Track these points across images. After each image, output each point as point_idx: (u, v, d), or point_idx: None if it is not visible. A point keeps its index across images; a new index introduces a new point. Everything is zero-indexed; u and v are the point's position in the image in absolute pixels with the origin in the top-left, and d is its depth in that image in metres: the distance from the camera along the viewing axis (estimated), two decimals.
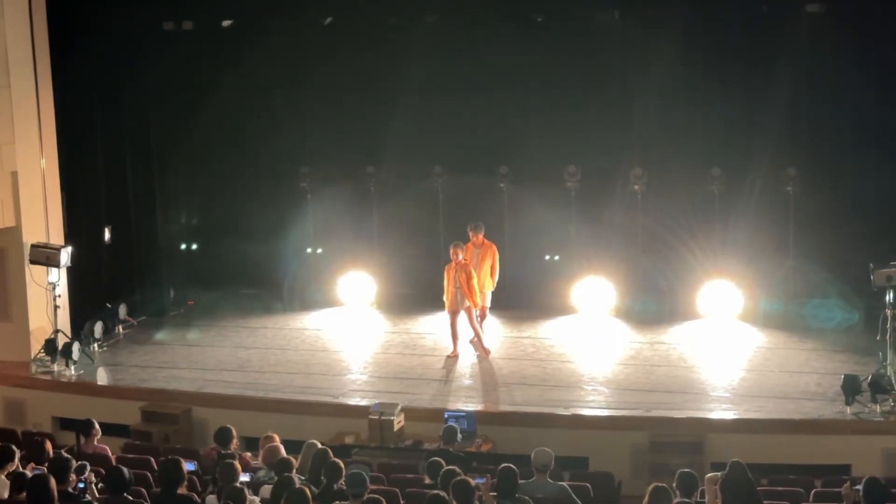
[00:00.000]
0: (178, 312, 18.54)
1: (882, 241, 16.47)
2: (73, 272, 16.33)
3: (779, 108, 17.12)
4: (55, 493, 8.96)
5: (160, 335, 17.41)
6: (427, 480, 10.61)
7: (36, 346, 15.79)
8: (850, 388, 13.09)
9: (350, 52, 18.61)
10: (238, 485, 9.51)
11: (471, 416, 13.07)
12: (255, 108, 19.30)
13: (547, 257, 18.23)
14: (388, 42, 18.61)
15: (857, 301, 16.25)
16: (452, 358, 15.61)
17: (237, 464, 10.15)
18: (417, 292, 18.22)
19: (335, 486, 9.72)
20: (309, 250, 19.15)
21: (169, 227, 18.55)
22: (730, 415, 13.37)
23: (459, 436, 12.23)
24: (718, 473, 9.70)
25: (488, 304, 16.26)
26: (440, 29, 17.96)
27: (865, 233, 16.84)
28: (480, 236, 16.18)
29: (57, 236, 16.11)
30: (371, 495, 9.29)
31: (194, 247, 19.90)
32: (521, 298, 17.77)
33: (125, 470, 9.58)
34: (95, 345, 16.37)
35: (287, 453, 11.07)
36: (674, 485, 9.65)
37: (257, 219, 19.61)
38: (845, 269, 16.96)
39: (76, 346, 15.53)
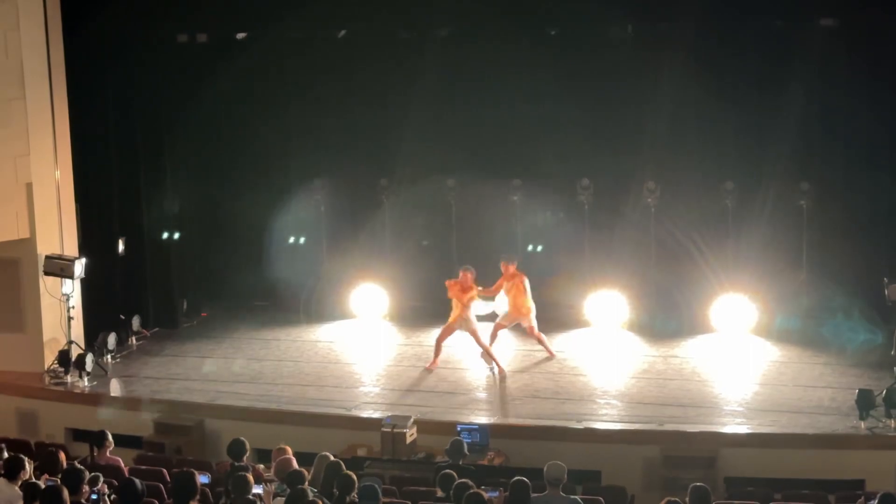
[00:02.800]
0: (192, 324, 18.56)
1: None
2: (86, 284, 16.37)
3: (792, 121, 17.12)
4: None
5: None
6: (439, 493, 10.59)
7: (49, 358, 15.82)
8: (865, 402, 13.03)
9: (363, 65, 18.67)
10: (251, 497, 9.52)
11: (483, 430, 13.05)
12: (269, 121, 19.37)
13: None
14: (401, 55, 18.68)
15: (873, 316, 16.22)
16: (427, 371, 15.62)
17: (250, 476, 10.15)
18: (430, 305, 18.20)
19: (347, 499, 9.71)
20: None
21: (182, 239, 18.58)
22: (743, 429, 13.33)
23: (466, 449, 12.19)
24: None
25: (535, 323, 16.14)
26: (453, 43, 17.98)
27: (879, 247, 16.83)
28: (512, 267, 16.11)
29: (71, 248, 16.15)
30: None
31: (207, 259, 19.94)
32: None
33: (138, 481, 9.61)
34: (109, 356, 16.40)
35: (299, 465, 11.06)
36: (686, 499, 9.62)
37: (270, 231, 19.66)
38: (859, 283, 16.94)
39: (89, 358, 15.56)
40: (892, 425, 13.00)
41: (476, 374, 15.56)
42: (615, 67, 17.79)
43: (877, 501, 9.18)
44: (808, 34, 16.80)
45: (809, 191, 16.88)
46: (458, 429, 12.86)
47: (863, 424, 12.99)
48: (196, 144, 19.22)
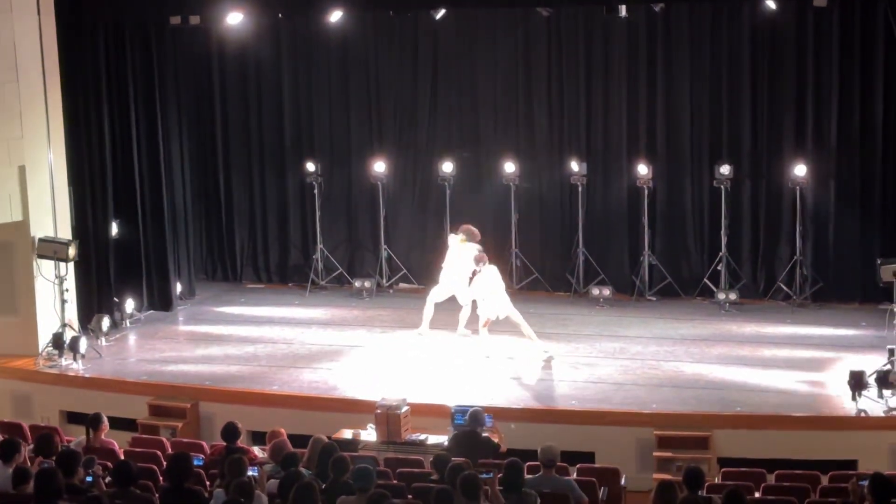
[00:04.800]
0: (185, 306, 18.55)
1: (889, 236, 16.50)
2: (80, 266, 16.36)
3: (785, 102, 17.17)
4: (63, 486, 9.00)
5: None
6: (434, 476, 10.60)
7: (43, 341, 15.81)
8: (857, 383, 13.07)
9: (358, 47, 18.68)
10: (246, 479, 9.53)
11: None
12: (264, 104, 19.41)
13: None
14: (396, 36, 18.69)
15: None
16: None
17: (245, 458, 10.17)
18: (424, 287, 18.23)
19: (342, 481, 9.73)
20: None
21: (176, 220, 18.56)
22: (736, 410, 13.36)
23: (489, 420, 12.25)
24: None
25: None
26: (447, 24, 17.94)
27: (872, 228, 16.86)
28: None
29: (64, 230, 16.12)
30: (377, 490, 9.31)
31: (201, 241, 19.94)
32: (528, 293, 17.84)
33: (132, 463, 9.62)
34: (103, 339, 16.40)
35: (293, 448, 11.07)
36: (680, 480, 9.65)
37: (265, 213, 19.68)
38: (852, 264, 16.97)
39: (83, 340, 15.56)
40: (885, 406, 13.04)
41: (471, 356, 15.57)
42: (608, 48, 17.90)
43: (868, 482, 9.20)
44: (801, 14, 16.84)
45: (804, 172, 16.81)
46: (453, 410, 12.85)
47: (855, 405, 13.03)
48: (191, 126, 19.21)
